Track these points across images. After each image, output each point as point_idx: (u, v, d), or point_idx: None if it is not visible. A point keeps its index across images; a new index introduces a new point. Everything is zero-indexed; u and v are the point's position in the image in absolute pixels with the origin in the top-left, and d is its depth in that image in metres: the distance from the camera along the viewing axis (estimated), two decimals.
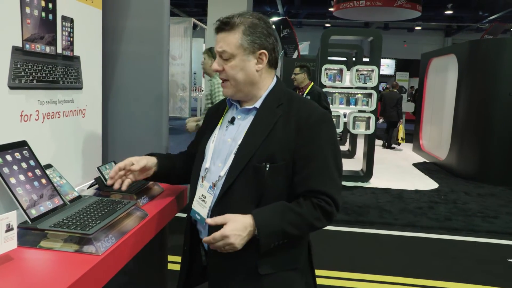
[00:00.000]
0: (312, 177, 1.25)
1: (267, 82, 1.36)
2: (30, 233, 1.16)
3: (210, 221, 1.24)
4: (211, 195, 1.31)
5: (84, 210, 1.30)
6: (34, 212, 1.20)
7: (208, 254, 1.35)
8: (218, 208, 1.29)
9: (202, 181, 1.36)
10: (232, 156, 1.29)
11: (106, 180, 1.58)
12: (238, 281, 1.30)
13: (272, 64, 1.35)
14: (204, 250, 1.44)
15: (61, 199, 1.33)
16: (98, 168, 1.58)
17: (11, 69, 1.24)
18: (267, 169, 1.24)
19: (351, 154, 8.58)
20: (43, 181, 1.30)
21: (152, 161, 1.48)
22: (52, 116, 1.46)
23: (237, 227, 1.19)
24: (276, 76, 1.42)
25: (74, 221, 1.21)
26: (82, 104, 1.64)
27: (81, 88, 1.62)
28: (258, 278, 1.28)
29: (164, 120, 1.88)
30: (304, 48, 13.72)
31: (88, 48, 1.67)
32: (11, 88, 1.25)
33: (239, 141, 1.30)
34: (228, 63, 1.29)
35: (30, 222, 1.17)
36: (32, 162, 1.29)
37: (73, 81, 1.56)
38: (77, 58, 1.58)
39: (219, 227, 1.21)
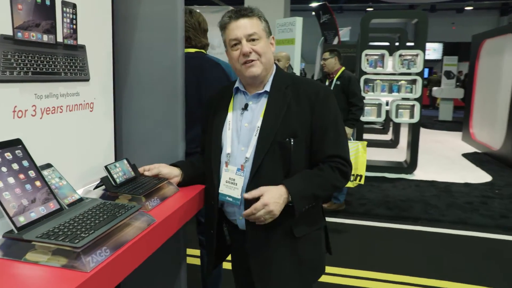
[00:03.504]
0: (329, 145, 1.44)
1: (272, 68, 1.53)
2: (16, 244, 1.04)
3: (247, 195, 1.39)
4: (242, 176, 1.45)
5: (81, 216, 1.17)
6: (22, 220, 1.08)
7: (247, 226, 1.48)
8: (251, 187, 1.41)
9: (227, 166, 1.49)
10: (255, 137, 1.43)
11: (114, 180, 1.45)
12: (276, 245, 1.46)
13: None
14: (228, 230, 1.60)
15: (58, 203, 1.20)
16: (105, 166, 1.45)
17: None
18: (292, 143, 1.41)
19: (393, 143, 8.18)
20: (37, 183, 1.18)
21: (170, 173, 1.60)
22: (53, 111, 1.34)
23: (274, 196, 1.35)
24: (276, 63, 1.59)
25: (66, 229, 1.08)
26: (90, 97, 1.52)
27: (87, 80, 1.49)
28: (294, 239, 1.47)
29: (179, 114, 1.73)
30: (344, 34, 13.21)
31: (96, 36, 1.53)
32: (0, 81, 1.13)
33: (258, 124, 1.44)
34: (257, 43, 1.43)
35: (16, 231, 1.05)
36: (25, 163, 1.17)
37: (78, 73, 1.43)
38: (82, 47, 1.45)
39: (254, 202, 1.35)
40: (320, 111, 1.45)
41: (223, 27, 1.49)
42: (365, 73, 5.79)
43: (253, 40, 1.42)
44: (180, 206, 1.47)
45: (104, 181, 1.44)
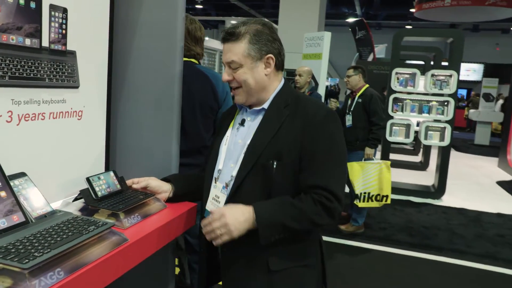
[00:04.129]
0: (313, 174, 1.30)
1: (275, 85, 1.42)
2: None
3: (211, 206, 1.38)
4: (224, 195, 1.37)
5: (45, 231, 1.10)
6: None
7: (222, 250, 1.41)
8: None
9: (215, 182, 1.42)
10: (242, 155, 1.36)
11: (96, 193, 1.38)
12: (250, 276, 1.36)
13: (279, 67, 1.41)
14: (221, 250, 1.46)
15: (24, 215, 1.14)
16: (87, 178, 1.38)
17: None
18: (274, 166, 1.30)
19: (423, 166, 7.85)
20: (2, 194, 1.11)
21: (159, 187, 1.54)
22: (33, 118, 1.28)
23: (235, 211, 1.25)
24: (284, 78, 1.47)
25: (21, 246, 1.00)
26: (78, 104, 1.46)
27: (76, 87, 1.44)
28: (270, 273, 1.33)
29: (175, 125, 1.65)
30: (380, 51, 12.97)
31: (89, 42, 1.48)
32: None
33: (248, 141, 1.36)
34: (237, 71, 1.34)
35: None
36: None
37: (66, 79, 1.38)
38: (72, 53, 1.40)
39: None
40: (312, 135, 1.31)
41: None
42: (395, 91, 5.58)
43: (234, 68, 1.35)
44: (162, 225, 1.38)
45: (83, 193, 1.37)
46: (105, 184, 1.43)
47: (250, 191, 1.32)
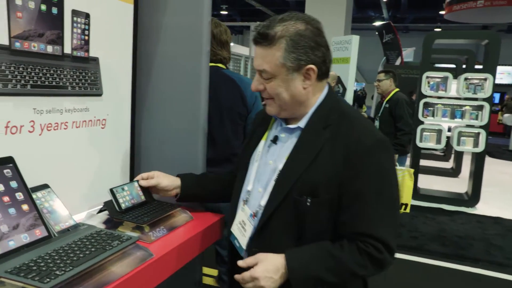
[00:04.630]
0: (359, 218, 1.09)
1: (316, 97, 1.20)
2: None
3: (241, 263, 1.14)
4: (251, 225, 1.21)
5: (67, 246, 1.05)
6: None
7: None
8: (256, 241, 1.19)
9: (244, 205, 1.26)
10: (272, 183, 1.17)
11: (119, 204, 1.33)
12: None
13: (323, 76, 1.18)
14: None
15: (46, 229, 1.09)
16: (111, 189, 1.33)
17: None
18: (308, 204, 1.10)
19: (455, 172, 7.56)
20: (24, 207, 1.07)
21: (173, 183, 1.43)
22: (56, 127, 1.24)
23: (268, 269, 1.09)
24: (328, 84, 1.25)
25: (43, 264, 0.95)
26: (102, 113, 1.41)
27: (100, 95, 1.39)
28: None
29: (201, 133, 1.58)
30: (408, 54, 12.68)
31: (113, 48, 1.44)
32: None
33: (280, 166, 1.17)
34: (269, 82, 1.14)
35: None
36: (13, 184, 1.07)
37: (88, 87, 1.34)
38: (95, 59, 1.35)
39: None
40: (357, 168, 1.08)
41: None
42: (425, 96, 5.39)
43: (266, 78, 1.14)
44: (189, 238, 1.31)
45: (107, 205, 1.32)
46: (129, 195, 1.38)
47: (279, 228, 1.14)
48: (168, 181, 1.42)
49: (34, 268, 0.93)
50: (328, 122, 1.14)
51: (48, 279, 0.89)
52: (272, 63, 1.11)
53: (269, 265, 1.09)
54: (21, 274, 0.90)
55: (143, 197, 1.42)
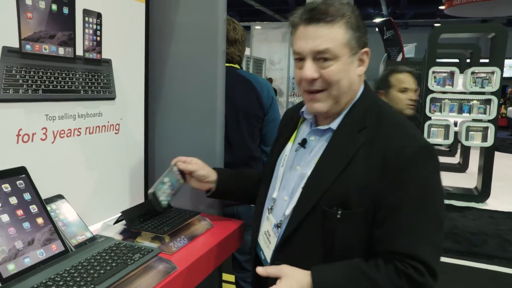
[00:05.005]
0: (398, 234, 0.95)
1: (356, 93, 1.08)
2: None
3: (261, 271, 1.02)
4: (275, 236, 1.10)
5: (86, 262, 0.98)
6: (11, 268, 0.90)
7: None
8: (280, 255, 1.08)
9: (269, 214, 1.15)
10: (299, 191, 1.06)
11: (160, 204, 1.25)
12: None
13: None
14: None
15: (63, 244, 1.02)
16: (153, 193, 1.23)
17: (0, 76, 0.96)
18: (339, 216, 0.98)
19: (462, 167, 7.49)
20: (39, 220, 1.00)
21: (210, 174, 1.35)
22: (69, 134, 1.17)
23: (292, 286, 0.96)
24: (365, 82, 1.12)
25: (62, 282, 0.88)
26: (115, 117, 1.34)
27: (113, 98, 1.32)
28: None
29: (218, 137, 1.51)
30: (409, 50, 12.61)
31: (125, 49, 1.36)
32: (1, 100, 0.97)
33: (308, 173, 1.05)
34: (329, 66, 0.99)
35: (0, 285, 0.87)
36: (27, 196, 1.00)
37: (101, 90, 1.27)
38: (108, 61, 1.28)
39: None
40: (397, 179, 0.95)
41: (292, 26, 1.05)
42: (432, 91, 5.31)
43: (326, 60, 0.98)
44: (211, 248, 1.24)
45: (125, 215, 1.25)
46: (170, 186, 1.30)
47: (305, 242, 1.03)
48: (205, 171, 1.32)
49: (53, 287, 0.86)
50: (364, 124, 1.02)
51: None
52: (337, 42, 0.97)
53: (294, 282, 0.97)
54: None
55: (181, 181, 1.35)
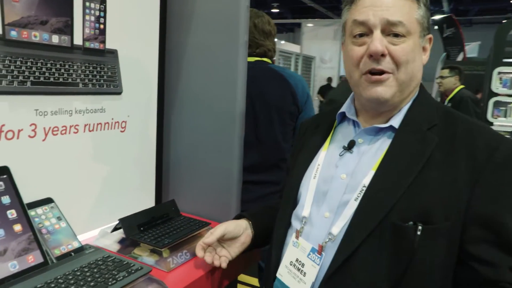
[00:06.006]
0: (505, 261, 0.75)
1: (416, 87, 0.92)
2: None
3: (289, 278, 0.85)
4: (316, 265, 0.85)
5: (63, 278, 0.86)
6: None
7: None
8: None
9: (297, 237, 0.91)
10: (354, 204, 0.83)
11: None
12: None
13: None
14: None
15: (42, 255, 0.91)
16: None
17: None
18: (419, 232, 0.76)
19: None
20: (17, 227, 0.89)
21: (238, 227, 1.05)
22: (63, 132, 1.06)
23: None
24: None
25: None
26: (121, 114, 1.22)
27: (119, 93, 1.20)
28: None
29: (237, 137, 1.35)
30: (472, 49, 11.76)
31: (135, 39, 1.24)
32: None
33: (365, 181, 0.84)
34: (401, 43, 0.83)
35: None
36: (5, 199, 0.90)
37: (104, 84, 1.15)
38: (113, 52, 1.16)
39: None
40: (493, 187, 0.78)
41: (348, 1, 0.90)
42: (496, 94, 4.83)
43: (396, 36, 0.83)
44: (214, 268, 1.08)
45: (122, 223, 1.12)
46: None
47: (368, 268, 0.79)
48: (233, 224, 1.05)
49: None
50: (433, 121, 0.85)
51: None
52: (410, 16, 0.83)
53: None
54: None
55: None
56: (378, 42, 0.82)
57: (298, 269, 0.88)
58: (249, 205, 1.67)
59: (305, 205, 0.92)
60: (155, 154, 1.38)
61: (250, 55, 1.78)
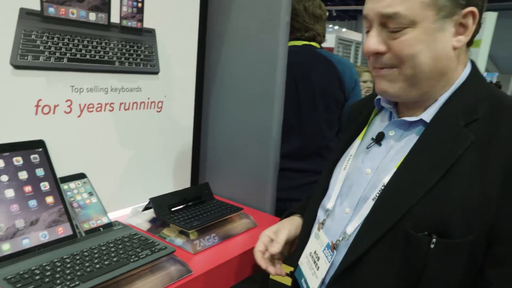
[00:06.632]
0: None
1: (458, 74, 0.76)
2: None
3: (307, 268, 0.82)
4: (328, 262, 0.80)
5: (88, 252, 0.88)
6: (6, 248, 0.83)
7: None
8: None
9: (319, 229, 0.86)
10: (371, 203, 0.76)
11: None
12: None
13: (471, 40, 0.75)
14: None
15: (71, 228, 0.93)
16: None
17: (17, 40, 0.89)
18: (432, 245, 0.67)
19: None
20: (49, 199, 0.92)
21: (297, 229, 1.00)
22: (99, 109, 1.08)
23: None
24: (471, 61, 0.80)
25: (49, 273, 0.79)
26: (157, 94, 1.23)
27: (156, 73, 1.20)
28: None
29: (275, 122, 1.31)
30: None
31: (174, 19, 1.23)
32: (17, 67, 0.90)
33: (385, 178, 0.75)
34: (401, 36, 0.71)
35: None
36: (40, 171, 0.93)
37: (141, 63, 1.15)
38: (150, 31, 1.16)
39: None
40: None
41: None
42: None
43: (393, 30, 0.72)
44: (244, 252, 1.06)
45: (153, 202, 1.13)
46: None
47: (376, 274, 0.73)
48: (294, 227, 1.00)
49: (37, 278, 0.77)
50: (473, 116, 0.72)
51: None
52: (415, 2, 0.69)
53: None
54: (17, 285, 0.75)
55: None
56: (370, 40, 0.74)
57: (314, 262, 0.84)
58: (289, 193, 1.63)
59: (331, 197, 0.86)
60: (191, 136, 1.37)
61: (298, 38, 1.72)
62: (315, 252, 0.85)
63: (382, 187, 0.75)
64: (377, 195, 0.76)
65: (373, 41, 0.74)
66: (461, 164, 0.68)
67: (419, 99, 0.77)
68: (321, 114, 1.66)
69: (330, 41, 6.57)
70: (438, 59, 0.72)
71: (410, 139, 0.77)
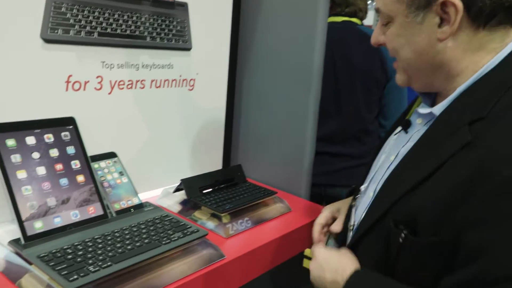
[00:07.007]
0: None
1: (477, 63, 0.68)
2: (18, 260, 0.78)
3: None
4: (348, 241, 0.85)
5: (119, 232, 0.85)
6: (38, 226, 0.81)
7: None
8: None
9: (353, 208, 0.89)
10: (374, 193, 0.79)
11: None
12: None
13: (489, 18, 0.65)
14: None
15: (102, 207, 0.91)
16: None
17: (47, 13, 0.85)
18: (401, 240, 0.67)
19: None
20: (80, 178, 0.90)
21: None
22: (130, 86, 1.04)
23: (328, 264, 0.78)
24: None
25: (81, 252, 0.77)
26: (189, 71, 1.18)
27: (188, 49, 1.16)
28: None
29: (311, 104, 1.25)
30: None
31: None
32: (47, 41, 0.87)
33: (393, 166, 0.76)
34: (387, 31, 0.74)
35: (23, 242, 0.78)
36: (71, 149, 0.90)
37: (173, 38, 1.11)
38: (183, 5, 1.11)
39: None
40: (483, 209, 0.58)
41: None
42: None
43: (384, 24, 0.75)
44: (276, 238, 1.02)
45: (185, 184, 1.09)
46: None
47: (367, 260, 0.76)
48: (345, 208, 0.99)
49: (70, 257, 0.75)
50: (480, 114, 0.63)
51: (76, 276, 0.70)
52: None
53: (331, 263, 0.78)
54: (51, 263, 0.73)
55: None
56: (373, 32, 0.79)
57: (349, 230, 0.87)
58: (325, 179, 1.57)
59: (367, 179, 0.86)
60: (224, 116, 1.33)
61: (338, 14, 1.63)
62: (350, 225, 0.87)
63: (384, 181, 0.77)
64: (379, 188, 0.78)
65: (374, 33, 0.79)
66: (449, 165, 0.64)
67: (430, 89, 0.75)
68: (360, 95, 1.58)
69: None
70: (421, 52, 0.70)
71: (420, 132, 0.75)
